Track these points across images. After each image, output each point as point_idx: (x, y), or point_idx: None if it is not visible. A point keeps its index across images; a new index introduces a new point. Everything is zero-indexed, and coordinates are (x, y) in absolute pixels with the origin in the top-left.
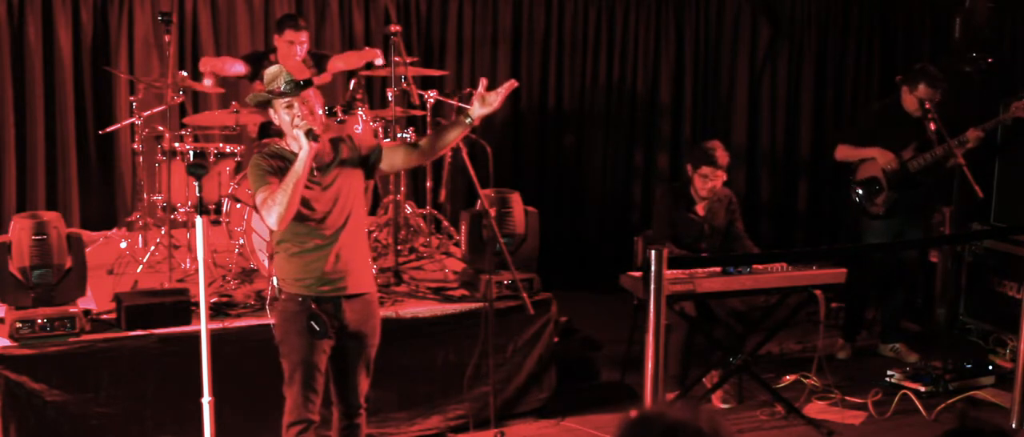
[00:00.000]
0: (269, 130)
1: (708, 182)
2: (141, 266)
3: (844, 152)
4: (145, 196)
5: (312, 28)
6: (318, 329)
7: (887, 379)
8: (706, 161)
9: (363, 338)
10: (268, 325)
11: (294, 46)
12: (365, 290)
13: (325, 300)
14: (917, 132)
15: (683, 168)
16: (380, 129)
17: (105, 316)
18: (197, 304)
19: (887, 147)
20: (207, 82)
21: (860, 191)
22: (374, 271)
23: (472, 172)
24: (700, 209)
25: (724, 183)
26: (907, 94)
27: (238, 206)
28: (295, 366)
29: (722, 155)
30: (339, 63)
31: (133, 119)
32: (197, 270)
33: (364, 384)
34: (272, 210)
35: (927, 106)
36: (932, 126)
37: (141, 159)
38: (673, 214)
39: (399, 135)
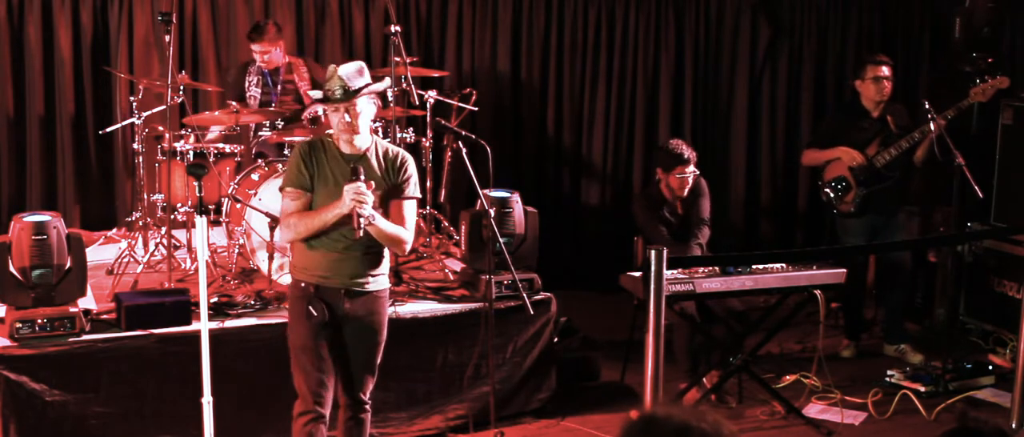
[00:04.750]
0: (261, 129)
1: (685, 180)
2: (141, 266)
3: (810, 156)
4: (145, 196)
5: (310, 29)
6: (314, 314)
7: (887, 379)
8: (678, 161)
9: (364, 334)
10: (268, 325)
11: (264, 54)
12: (371, 289)
13: (326, 289)
14: (879, 129)
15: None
16: (380, 129)
17: (105, 316)
18: (197, 304)
19: (851, 146)
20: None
21: (829, 191)
22: (385, 272)
23: (472, 172)
24: (674, 208)
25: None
26: (862, 86)
27: (238, 206)
28: (295, 351)
29: (689, 151)
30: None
31: (133, 119)
32: (197, 270)
33: (367, 381)
34: (285, 233)
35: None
36: (935, 125)
37: (141, 159)
38: (656, 218)
39: (399, 135)
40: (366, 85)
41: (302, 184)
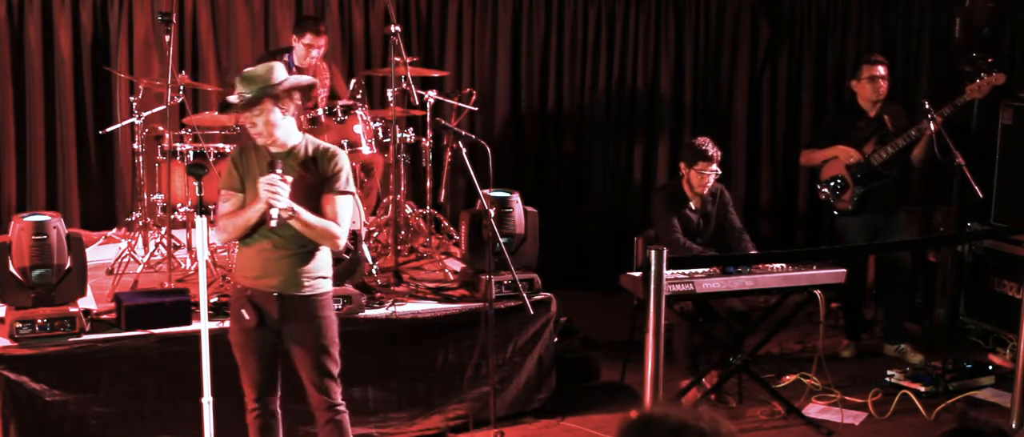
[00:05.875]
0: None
1: (706, 177)
2: (141, 266)
3: (808, 156)
4: (145, 196)
5: None
6: (247, 317)
7: (887, 379)
8: (701, 157)
9: (306, 339)
10: None
11: (311, 49)
12: (302, 292)
13: (258, 293)
14: (876, 128)
15: (676, 167)
16: (380, 129)
17: (105, 316)
18: (197, 304)
19: (848, 146)
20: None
21: (826, 189)
22: (324, 273)
23: (472, 172)
24: (694, 205)
25: (718, 177)
26: (858, 86)
27: None
28: (234, 349)
29: (714, 150)
30: None
31: (133, 119)
32: (197, 270)
33: (326, 385)
34: (218, 233)
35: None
36: (933, 123)
37: (141, 159)
38: (672, 214)
39: (399, 135)
40: (265, 89)
41: (233, 185)
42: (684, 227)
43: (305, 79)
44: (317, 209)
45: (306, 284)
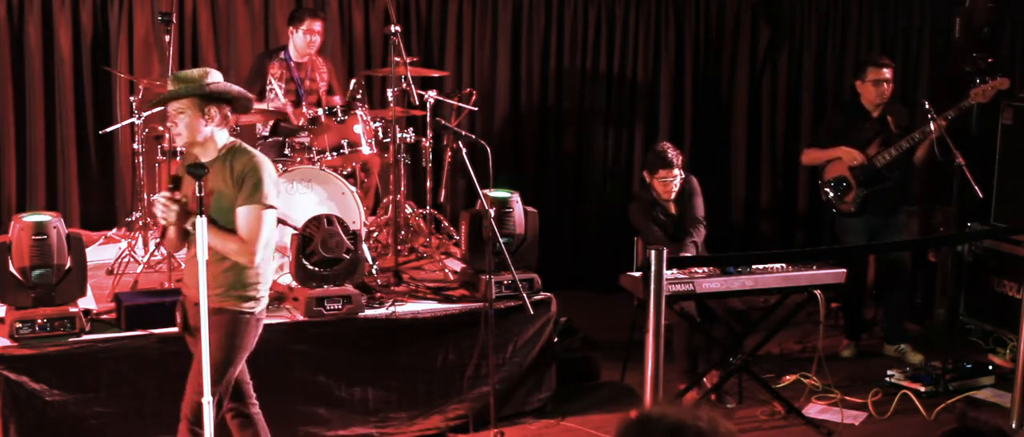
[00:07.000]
0: (279, 129)
1: (668, 184)
2: (141, 266)
3: (811, 155)
4: (145, 196)
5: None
6: (177, 322)
7: (887, 379)
8: (661, 165)
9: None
10: (267, 325)
11: (312, 36)
12: (211, 304)
13: (186, 299)
14: (880, 129)
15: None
16: (380, 129)
17: (105, 316)
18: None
19: (852, 146)
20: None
21: (829, 190)
22: (244, 291)
23: (472, 172)
24: (670, 209)
25: (683, 180)
26: (862, 88)
27: None
28: None
29: (674, 155)
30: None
31: (133, 119)
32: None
33: (189, 397)
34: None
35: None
36: (935, 125)
37: (141, 159)
38: (650, 221)
39: (399, 135)
40: (192, 88)
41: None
42: (663, 232)
43: (238, 88)
44: (223, 208)
45: (218, 297)
